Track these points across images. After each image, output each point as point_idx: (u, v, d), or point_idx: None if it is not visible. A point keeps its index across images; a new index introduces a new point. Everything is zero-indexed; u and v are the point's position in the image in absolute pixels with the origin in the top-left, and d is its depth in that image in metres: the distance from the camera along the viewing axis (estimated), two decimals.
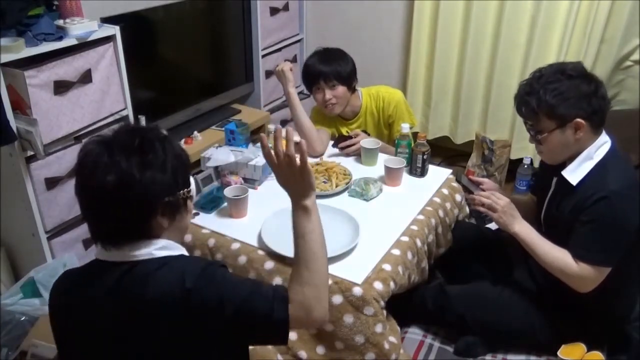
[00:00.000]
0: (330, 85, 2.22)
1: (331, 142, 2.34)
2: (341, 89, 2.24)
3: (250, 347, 1.42)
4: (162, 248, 1.08)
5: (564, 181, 1.63)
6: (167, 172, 1.06)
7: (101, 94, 2.13)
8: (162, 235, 1.09)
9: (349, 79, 2.25)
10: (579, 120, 1.55)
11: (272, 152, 1.17)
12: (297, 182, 1.15)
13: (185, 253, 1.14)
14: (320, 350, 1.59)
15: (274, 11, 3.26)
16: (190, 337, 1.03)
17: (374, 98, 2.36)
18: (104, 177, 1.00)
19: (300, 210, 1.15)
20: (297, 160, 1.15)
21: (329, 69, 2.21)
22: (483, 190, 1.83)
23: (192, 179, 1.15)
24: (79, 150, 1.08)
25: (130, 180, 1.01)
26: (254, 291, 1.06)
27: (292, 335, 1.59)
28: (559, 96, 1.55)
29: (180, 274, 1.03)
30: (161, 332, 1.04)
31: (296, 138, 2.44)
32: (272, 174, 2.09)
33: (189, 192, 1.12)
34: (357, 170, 2.12)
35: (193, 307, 1.01)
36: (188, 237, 1.76)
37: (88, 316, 1.09)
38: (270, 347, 1.57)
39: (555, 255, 1.63)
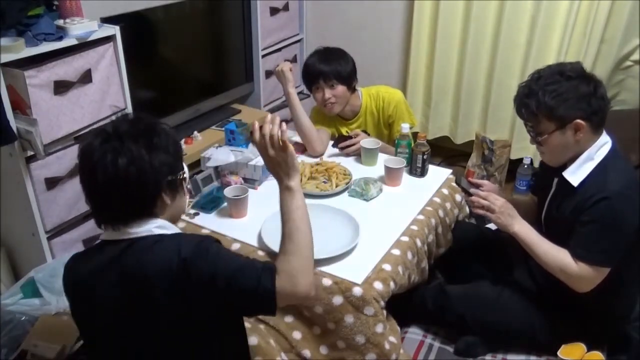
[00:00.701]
0: (330, 85, 2.22)
1: (331, 142, 2.34)
2: (340, 89, 2.24)
3: (254, 344, 1.49)
4: (160, 227, 1.17)
5: (564, 182, 1.63)
6: (169, 153, 1.17)
7: (101, 94, 2.13)
8: (162, 215, 1.19)
9: (349, 79, 2.25)
10: (578, 121, 1.55)
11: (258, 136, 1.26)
12: (280, 163, 1.25)
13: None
14: (323, 350, 1.59)
15: (274, 11, 3.26)
16: (187, 308, 1.11)
17: (373, 98, 2.36)
18: (116, 161, 1.09)
19: (285, 190, 1.25)
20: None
21: (329, 68, 2.21)
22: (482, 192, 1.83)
23: (184, 164, 1.25)
24: (80, 143, 1.16)
25: (141, 161, 1.11)
26: (245, 264, 1.14)
27: (297, 335, 1.60)
28: (558, 97, 1.55)
29: (176, 246, 1.11)
30: (160, 305, 1.11)
31: (296, 138, 2.46)
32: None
33: (184, 173, 1.24)
34: (357, 170, 2.12)
35: (189, 276, 1.08)
36: None
37: (94, 290, 1.18)
38: (273, 344, 1.57)
39: (555, 254, 1.63)
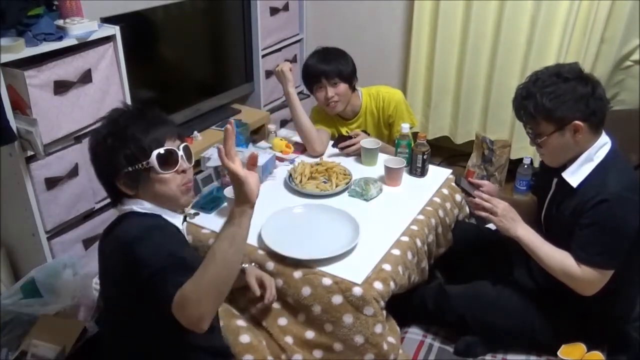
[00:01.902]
0: (333, 83, 2.23)
1: (331, 142, 2.34)
2: (343, 87, 2.24)
3: (246, 342, 1.51)
4: (143, 208, 1.30)
5: (564, 182, 1.63)
6: (109, 149, 1.27)
7: (101, 94, 2.13)
8: (143, 198, 1.31)
9: (350, 77, 2.26)
10: (577, 122, 1.55)
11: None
12: (234, 186, 1.13)
13: (168, 217, 1.31)
14: (317, 353, 1.58)
15: (274, 11, 3.26)
16: (124, 280, 1.22)
17: (374, 98, 2.36)
18: (92, 153, 1.34)
19: (229, 213, 1.13)
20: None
21: (330, 67, 2.21)
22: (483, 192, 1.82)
23: (153, 154, 1.27)
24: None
25: (99, 156, 1.31)
26: (169, 268, 1.13)
27: (289, 339, 1.60)
28: (556, 99, 1.55)
29: (136, 224, 1.24)
30: (113, 268, 1.26)
31: (296, 138, 2.46)
32: (272, 174, 2.10)
33: (147, 164, 1.27)
34: (357, 170, 2.12)
35: (128, 256, 1.18)
36: (188, 238, 1.76)
37: (99, 258, 1.37)
38: (265, 345, 1.57)
39: (557, 258, 1.62)
